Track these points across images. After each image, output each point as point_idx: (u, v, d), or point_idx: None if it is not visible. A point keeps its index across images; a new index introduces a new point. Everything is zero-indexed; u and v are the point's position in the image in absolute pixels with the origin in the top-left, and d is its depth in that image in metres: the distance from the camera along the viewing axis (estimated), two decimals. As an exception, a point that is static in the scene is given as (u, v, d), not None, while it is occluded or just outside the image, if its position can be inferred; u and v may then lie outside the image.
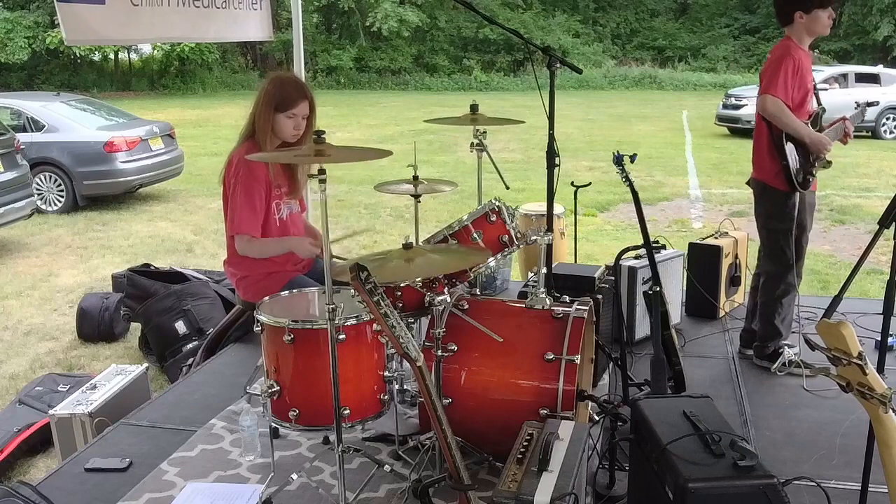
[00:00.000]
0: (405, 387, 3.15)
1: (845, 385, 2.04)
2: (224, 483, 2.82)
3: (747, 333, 3.98)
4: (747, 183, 3.83)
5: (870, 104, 4.00)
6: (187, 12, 4.12)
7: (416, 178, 3.17)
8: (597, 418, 2.97)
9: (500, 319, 2.81)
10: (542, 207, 4.63)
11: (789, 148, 3.53)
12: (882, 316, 2.40)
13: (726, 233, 4.59)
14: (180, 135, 11.14)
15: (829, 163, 3.63)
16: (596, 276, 3.82)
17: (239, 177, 3.25)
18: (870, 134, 14.81)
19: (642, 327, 3.98)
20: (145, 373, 3.91)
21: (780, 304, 3.72)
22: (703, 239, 4.55)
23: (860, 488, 2.39)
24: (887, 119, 15.11)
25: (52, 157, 9.24)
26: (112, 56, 29.76)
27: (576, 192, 4.63)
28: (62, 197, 9.41)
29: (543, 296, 2.84)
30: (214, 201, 9.60)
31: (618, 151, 3.15)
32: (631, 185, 3.12)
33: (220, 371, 3.91)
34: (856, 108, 3.98)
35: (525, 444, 2.22)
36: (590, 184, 4.82)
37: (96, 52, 28.58)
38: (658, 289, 3.20)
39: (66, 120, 9.57)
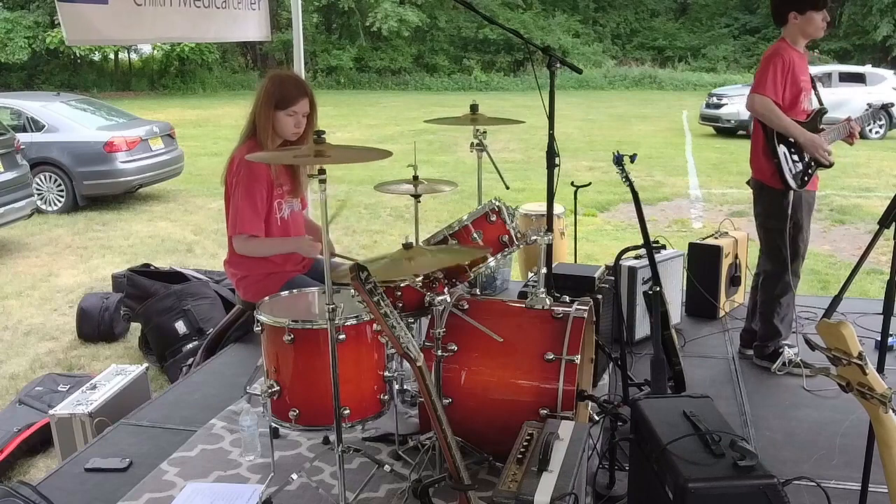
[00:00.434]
0: (405, 387, 3.15)
1: (845, 385, 2.04)
2: (224, 483, 2.82)
3: (747, 333, 3.98)
4: (747, 182, 3.83)
5: (884, 106, 3.96)
6: (188, 12, 4.12)
7: (416, 178, 3.17)
8: (597, 418, 2.96)
9: (500, 319, 2.81)
10: (542, 207, 4.63)
11: (781, 147, 3.53)
12: (882, 316, 2.40)
13: (726, 233, 4.59)
14: (180, 135, 11.14)
15: (831, 163, 3.61)
16: (596, 276, 3.82)
17: (240, 177, 3.25)
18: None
19: (642, 327, 3.98)
20: (145, 373, 3.91)
21: (778, 303, 3.72)
22: (703, 239, 4.55)
23: (860, 488, 2.39)
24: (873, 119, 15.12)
25: (52, 157, 9.24)
26: (112, 56, 29.77)
27: (576, 192, 4.63)
28: (62, 197, 9.41)
29: (543, 296, 2.84)
30: (214, 201, 9.61)
31: (618, 151, 3.15)
32: (631, 185, 3.12)
33: (220, 371, 3.91)
34: (866, 110, 3.95)
35: (525, 444, 2.22)
36: (590, 184, 4.82)
37: (96, 52, 28.58)
38: (658, 289, 3.20)
39: (66, 120, 9.57)
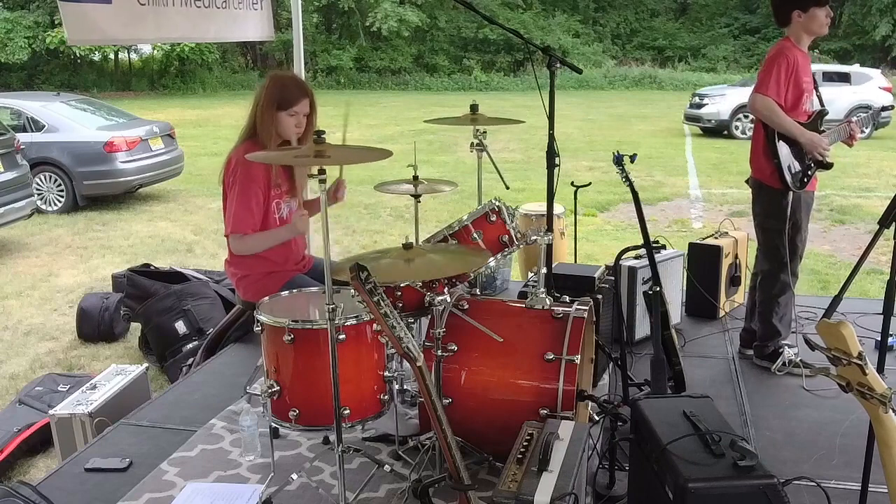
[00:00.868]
0: (405, 387, 3.16)
1: (845, 385, 2.04)
2: (224, 483, 2.82)
3: (747, 333, 3.98)
4: (746, 181, 3.83)
5: (885, 108, 3.97)
6: (189, 12, 4.12)
7: (416, 178, 3.17)
8: (597, 418, 2.97)
9: (500, 319, 2.81)
10: (542, 207, 4.63)
11: (782, 147, 3.53)
12: (882, 316, 2.40)
13: (726, 233, 4.59)
14: (180, 135, 11.14)
15: (831, 164, 3.61)
16: (596, 276, 3.82)
17: (236, 177, 3.25)
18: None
19: (642, 327, 3.98)
20: (145, 373, 3.91)
21: (777, 303, 3.72)
22: (703, 239, 4.55)
23: (860, 488, 2.39)
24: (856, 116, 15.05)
25: (52, 157, 9.24)
26: (112, 56, 29.77)
27: (576, 192, 4.63)
28: (62, 197, 9.41)
29: (543, 296, 2.84)
30: (214, 201, 9.60)
31: (618, 151, 3.15)
32: (631, 185, 3.12)
33: (220, 371, 3.91)
34: (867, 112, 3.95)
35: (525, 444, 2.22)
36: (590, 184, 4.82)
37: (96, 52, 28.58)
38: (658, 289, 3.20)
39: (66, 120, 9.57)
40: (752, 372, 3.79)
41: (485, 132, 3.47)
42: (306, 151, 2.39)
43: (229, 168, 3.30)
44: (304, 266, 3.57)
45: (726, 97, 15.70)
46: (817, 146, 3.52)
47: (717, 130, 15.52)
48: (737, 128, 15.48)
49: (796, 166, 3.57)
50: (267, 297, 2.84)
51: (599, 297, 3.47)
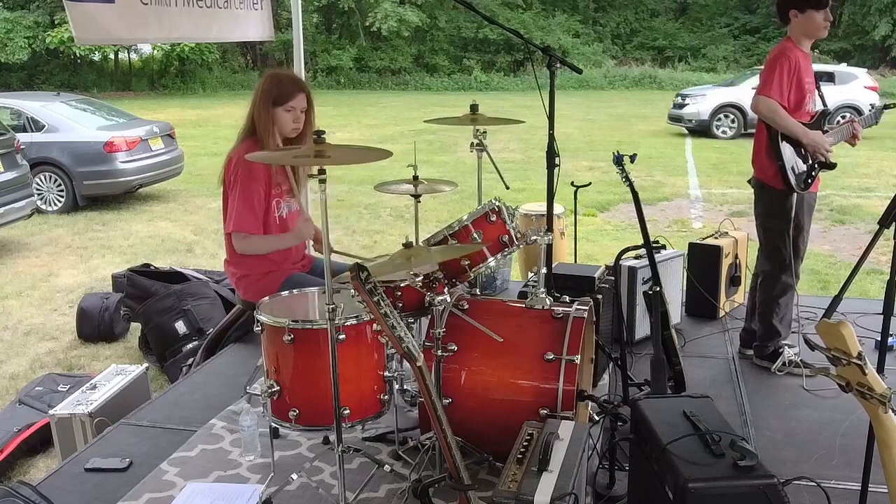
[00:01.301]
0: (405, 387, 3.15)
1: (845, 385, 2.04)
2: (224, 483, 2.82)
3: (747, 333, 3.98)
4: (749, 182, 3.83)
5: (887, 107, 3.96)
6: (192, 12, 4.12)
7: (416, 178, 3.17)
8: (597, 418, 2.96)
9: (500, 319, 2.81)
10: (542, 207, 4.63)
11: (785, 148, 3.53)
12: (882, 316, 2.40)
13: (726, 233, 4.59)
14: (180, 135, 11.14)
15: (834, 164, 3.60)
16: (596, 276, 3.82)
17: (237, 176, 3.25)
18: None
19: (642, 327, 3.98)
20: (145, 373, 3.91)
21: (777, 303, 3.72)
22: (703, 239, 4.55)
23: (860, 488, 2.39)
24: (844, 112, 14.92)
25: (52, 157, 9.24)
26: (112, 56, 29.78)
27: (576, 192, 4.63)
28: (62, 197, 9.41)
29: (543, 296, 2.84)
30: (214, 201, 9.60)
31: (618, 151, 3.15)
32: (631, 185, 3.12)
33: (220, 371, 3.91)
34: (869, 111, 3.95)
35: (525, 444, 2.22)
36: (590, 184, 4.82)
37: (96, 52, 28.58)
38: (658, 289, 3.20)
39: (66, 120, 9.57)
40: (752, 372, 3.79)
41: (485, 132, 3.47)
42: (306, 151, 2.39)
43: (230, 167, 3.30)
44: (304, 266, 3.58)
45: (707, 97, 15.74)
46: (820, 147, 3.52)
47: (699, 131, 15.53)
48: (717, 127, 15.48)
49: (800, 167, 3.57)
50: (267, 297, 2.84)
51: (599, 297, 3.47)
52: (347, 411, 2.56)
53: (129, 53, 30.26)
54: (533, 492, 1.98)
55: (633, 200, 3.16)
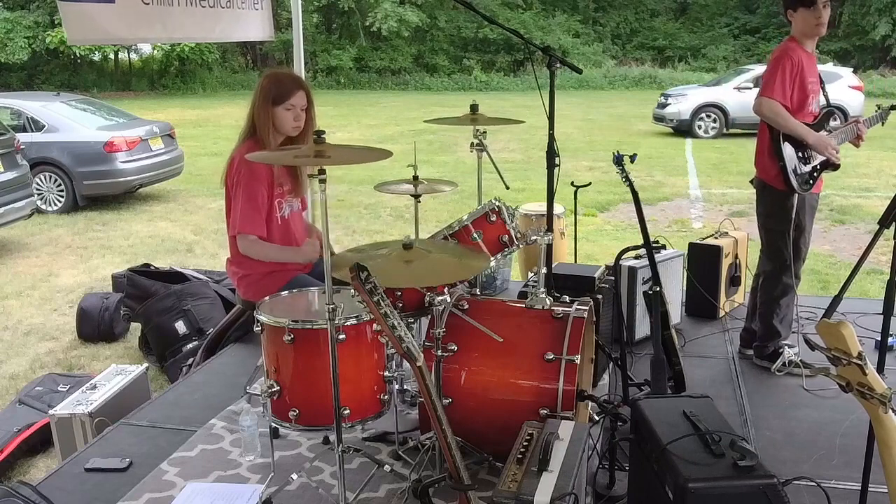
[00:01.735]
0: (405, 387, 3.15)
1: (845, 385, 2.04)
2: (224, 483, 2.82)
3: (747, 333, 3.98)
4: (751, 181, 3.82)
5: (893, 107, 3.95)
6: (194, 12, 4.11)
7: (416, 178, 3.17)
8: (597, 418, 2.96)
9: (500, 319, 2.81)
10: (542, 207, 4.63)
11: (787, 149, 3.52)
12: (882, 316, 2.40)
13: (726, 233, 4.59)
14: (180, 135, 11.14)
15: (838, 165, 3.60)
16: (596, 276, 3.82)
17: (241, 176, 3.25)
18: None
19: (642, 327, 3.98)
20: (145, 373, 3.91)
21: (778, 304, 3.72)
22: (703, 239, 4.55)
23: (860, 488, 2.39)
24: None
25: (52, 157, 9.24)
26: (112, 56, 29.78)
27: (576, 192, 4.63)
28: (62, 197, 9.41)
29: (543, 296, 2.84)
30: (214, 201, 9.61)
31: (618, 151, 3.15)
32: (631, 185, 3.12)
33: (220, 371, 3.91)
34: (876, 111, 3.93)
35: (525, 444, 2.22)
36: (590, 184, 4.82)
37: (96, 52, 28.60)
38: (658, 289, 3.20)
39: (66, 120, 9.57)
40: (752, 372, 3.79)
41: (485, 132, 3.47)
42: (306, 151, 2.39)
43: (232, 168, 3.30)
44: (306, 267, 3.57)
45: (687, 97, 15.82)
46: (826, 146, 3.51)
47: (681, 130, 15.55)
48: (699, 127, 15.51)
49: (802, 168, 3.56)
50: (267, 297, 2.84)
51: (599, 297, 3.47)
52: (347, 411, 2.56)
53: (129, 53, 30.26)
54: (533, 492, 1.98)
55: (633, 200, 3.16)
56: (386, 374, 2.70)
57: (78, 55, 28.05)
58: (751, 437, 3.13)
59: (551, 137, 3.25)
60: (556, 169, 3.28)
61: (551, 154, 3.26)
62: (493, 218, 2.99)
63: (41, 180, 9.25)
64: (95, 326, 5.18)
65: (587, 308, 2.80)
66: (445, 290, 2.86)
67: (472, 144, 3.50)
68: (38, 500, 2.55)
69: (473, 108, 3.47)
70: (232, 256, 3.45)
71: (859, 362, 1.97)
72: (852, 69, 17.17)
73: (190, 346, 4.52)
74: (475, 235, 2.94)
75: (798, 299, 3.84)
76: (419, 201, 3.27)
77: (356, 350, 2.59)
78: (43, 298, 6.21)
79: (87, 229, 8.60)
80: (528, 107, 18.32)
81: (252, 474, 2.88)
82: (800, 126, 3.48)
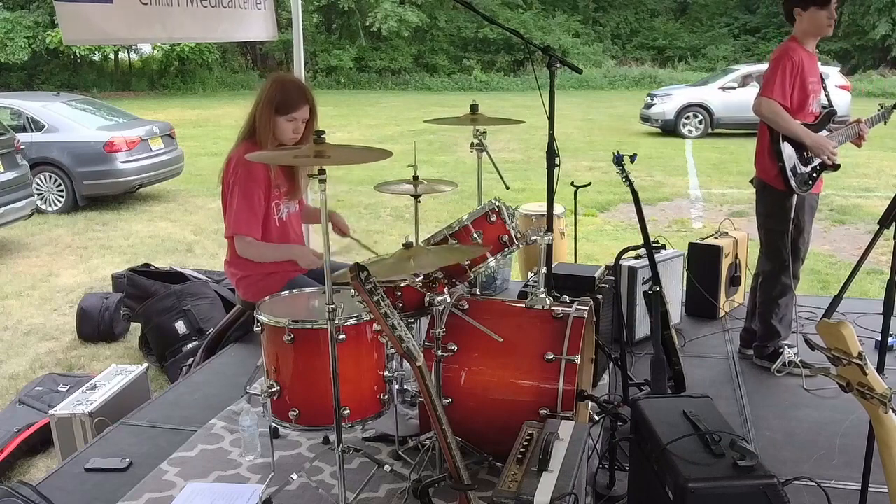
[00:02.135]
0: (405, 387, 3.15)
1: (845, 385, 2.04)
2: (224, 483, 2.82)
3: (747, 333, 3.98)
4: (751, 181, 3.82)
5: (895, 106, 3.94)
6: (195, 12, 4.10)
7: (416, 178, 3.17)
8: (597, 418, 2.97)
9: (500, 319, 2.81)
10: (542, 207, 4.63)
11: (786, 149, 3.52)
12: (882, 316, 2.40)
13: (726, 233, 4.59)
14: (180, 135, 11.14)
15: (838, 165, 3.59)
16: (596, 276, 3.82)
17: (237, 177, 3.25)
18: None
19: (642, 327, 3.98)
20: (145, 373, 3.91)
21: (777, 304, 3.72)
22: (703, 239, 4.55)
23: (860, 488, 2.39)
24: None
25: (52, 157, 9.24)
26: (112, 56, 29.78)
27: (576, 192, 4.63)
28: (62, 197, 9.41)
29: (543, 296, 2.84)
30: (214, 201, 9.60)
31: (618, 151, 3.15)
32: (631, 185, 3.12)
33: (220, 371, 3.91)
34: (878, 110, 3.92)
35: (525, 444, 2.22)
36: (590, 184, 4.82)
37: (96, 52, 28.59)
38: (658, 289, 3.20)
39: (66, 120, 9.57)
40: (752, 372, 3.79)
41: (485, 132, 3.47)
42: (306, 151, 2.39)
43: (229, 168, 3.29)
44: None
45: (672, 97, 15.87)
46: (824, 148, 3.50)
47: (667, 130, 15.59)
48: (684, 126, 15.53)
49: (801, 168, 3.56)
50: (267, 297, 2.84)
51: (599, 297, 3.47)
52: (347, 411, 2.56)
53: (129, 53, 30.27)
54: (533, 492, 1.98)
55: (633, 200, 3.16)
56: (386, 374, 2.70)
57: (78, 55, 28.04)
58: (751, 437, 3.13)
59: (551, 137, 3.25)
60: (556, 169, 3.28)
61: (551, 154, 3.26)
62: (493, 218, 2.99)
63: (41, 180, 9.25)
64: (95, 326, 5.18)
65: (587, 308, 2.80)
66: (445, 290, 2.86)
67: (472, 144, 3.50)
68: (38, 500, 2.55)
69: (473, 108, 3.46)
70: (230, 258, 3.45)
71: (859, 362, 1.97)
72: (839, 68, 17.13)
73: (190, 346, 4.52)
74: (475, 235, 2.94)
75: (798, 299, 3.84)
76: (419, 201, 3.27)
77: (356, 350, 2.59)
78: (43, 298, 6.21)
79: (87, 229, 8.60)
80: (528, 107, 18.33)
81: (252, 474, 2.88)
82: (799, 127, 3.48)
